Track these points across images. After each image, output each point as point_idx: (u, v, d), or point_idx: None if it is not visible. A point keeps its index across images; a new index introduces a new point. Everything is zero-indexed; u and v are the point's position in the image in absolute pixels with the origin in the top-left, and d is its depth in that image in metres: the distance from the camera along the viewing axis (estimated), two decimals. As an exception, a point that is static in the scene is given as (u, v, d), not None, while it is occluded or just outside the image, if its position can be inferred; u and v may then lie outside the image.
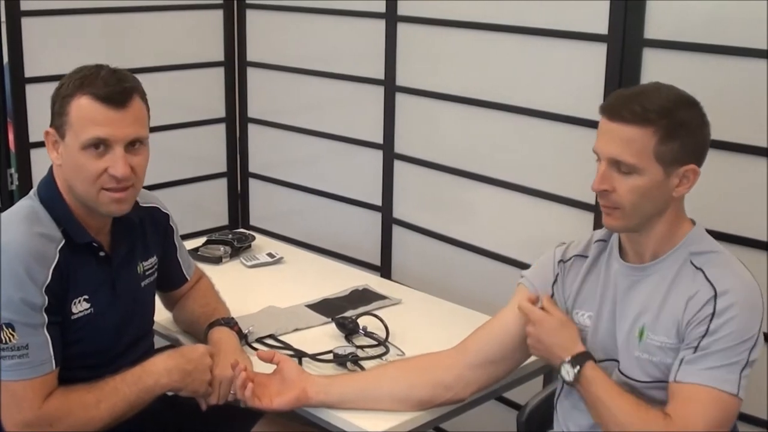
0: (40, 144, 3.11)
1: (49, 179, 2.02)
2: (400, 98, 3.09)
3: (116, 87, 1.94)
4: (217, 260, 2.92)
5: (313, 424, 2.16)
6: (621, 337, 1.91)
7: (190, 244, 2.98)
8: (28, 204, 1.99)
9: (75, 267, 1.96)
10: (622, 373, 1.90)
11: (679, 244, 1.88)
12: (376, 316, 2.42)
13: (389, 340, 2.34)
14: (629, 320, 1.90)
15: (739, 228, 2.29)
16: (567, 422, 2.03)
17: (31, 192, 2.03)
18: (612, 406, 1.83)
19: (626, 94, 1.84)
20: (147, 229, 2.19)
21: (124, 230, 2.10)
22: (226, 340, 2.23)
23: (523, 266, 2.66)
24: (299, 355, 2.26)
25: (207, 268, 2.77)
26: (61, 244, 1.95)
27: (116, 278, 2.06)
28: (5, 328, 1.85)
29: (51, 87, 2.95)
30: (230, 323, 2.30)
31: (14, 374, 1.87)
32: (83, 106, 1.92)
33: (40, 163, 3.18)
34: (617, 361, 1.92)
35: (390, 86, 3.11)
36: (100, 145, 1.93)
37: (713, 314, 1.78)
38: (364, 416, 2.03)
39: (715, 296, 1.79)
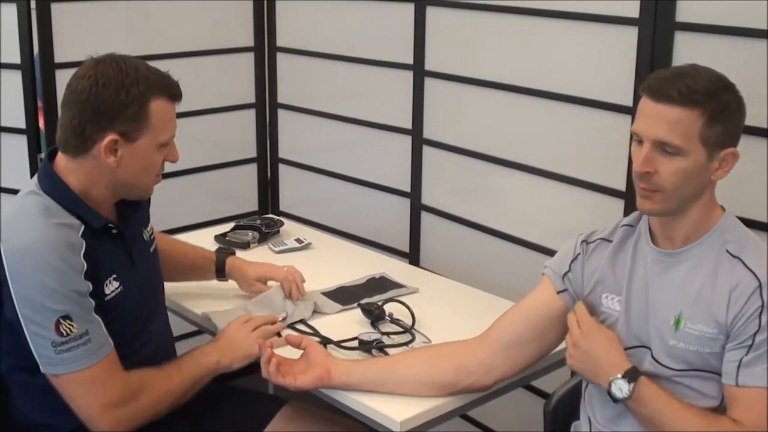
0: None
1: (53, 176, 1.98)
2: (430, 83, 3.06)
3: (175, 82, 2.01)
4: (245, 246, 2.93)
5: (337, 411, 2.15)
6: (654, 324, 1.88)
7: (219, 230, 3.04)
8: (36, 199, 1.96)
9: (98, 250, 1.97)
10: (655, 360, 1.88)
11: (711, 231, 1.85)
12: (402, 302, 2.40)
13: (415, 327, 2.33)
14: (663, 307, 1.87)
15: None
16: (594, 414, 2.01)
17: (31, 189, 1.99)
18: (678, 420, 1.79)
19: (669, 74, 1.81)
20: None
21: (126, 204, 2.11)
22: (243, 263, 2.53)
23: (552, 253, 2.66)
24: (325, 341, 2.25)
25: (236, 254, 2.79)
26: (82, 230, 1.95)
27: (132, 251, 2.09)
28: (63, 321, 1.85)
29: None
30: (227, 251, 2.59)
31: (86, 361, 1.89)
32: (163, 108, 1.96)
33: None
34: (649, 348, 1.89)
35: (419, 71, 3.08)
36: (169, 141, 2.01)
37: (763, 306, 1.75)
38: (388, 402, 2.03)
39: (760, 287, 1.76)
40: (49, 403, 1.95)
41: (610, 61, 2.52)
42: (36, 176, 2.02)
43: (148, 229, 2.22)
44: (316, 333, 2.32)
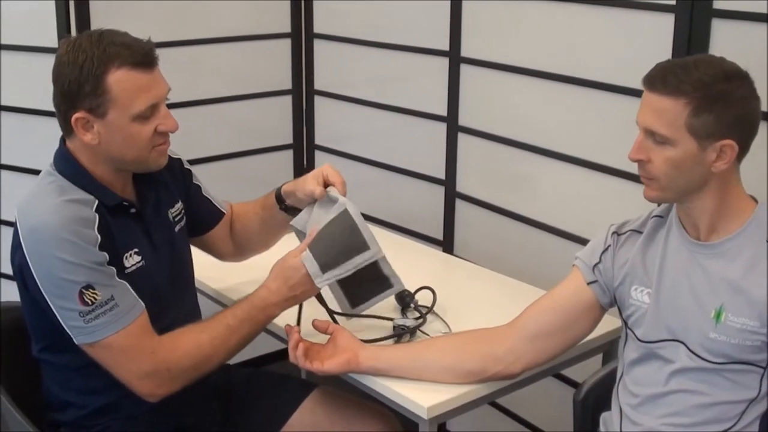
0: None
1: (67, 156, 1.99)
2: (465, 70, 3.04)
3: (142, 48, 1.92)
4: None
5: (368, 396, 2.15)
6: (691, 316, 1.86)
7: None
8: (50, 179, 1.97)
9: (114, 225, 1.97)
10: (693, 353, 1.86)
11: (747, 223, 1.83)
12: (430, 289, 2.38)
13: (441, 315, 2.32)
14: (700, 300, 1.85)
15: None
16: (624, 403, 1.99)
17: (47, 171, 2.00)
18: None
19: (668, 65, 1.81)
20: (165, 176, 2.17)
21: (146, 182, 2.10)
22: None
23: (586, 243, 2.63)
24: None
25: None
26: (96, 204, 1.94)
27: (151, 230, 2.07)
28: (85, 291, 1.86)
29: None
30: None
31: (113, 327, 1.89)
32: (123, 79, 1.89)
33: None
34: (681, 342, 1.88)
35: (455, 58, 3.05)
36: (150, 111, 1.93)
37: None
38: (416, 389, 2.03)
39: None
40: (75, 382, 1.98)
41: (646, 48, 2.47)
42: (53, 158, 2.03)
43: (175, 209, 2.19)
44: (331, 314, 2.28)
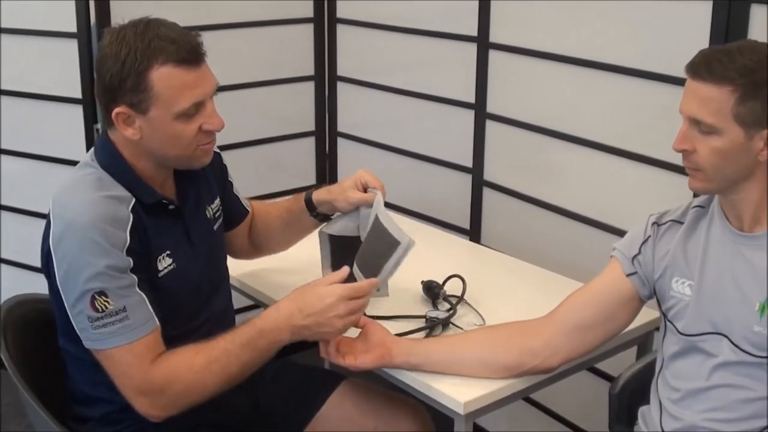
0: None
1: (109, 148, 1.93)
2: (494, 56, 2.99)
3: (189, 44, 1.86)
4: None
5: (396, 389, 2.12)
6: (734, 309, 1.82)
7: None
8: (90, 171, 1.92)
9: (150, 225, 1.92)
10: (737, 347, 1.82)
11: None
12: (460, 277, 2.34)
13: (468, 303, 2.28)
14: (744, 292, 1.81)
15: None
16: (665, 397, 1.95)
17: (86, 161, 1.95)
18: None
19: (711, 52, 1.76)
20: (207, 171, 2.12)
21: (187, 177, 2.05)
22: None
23: (618, 231, 2.63)
24: None
25: None
26: (132, 203, 1.90)
27: (190, 228, 2.03)
28: (98, 297, 1.81)
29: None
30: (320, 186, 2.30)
31: (120, 339, 1.83)
32: (167, 76, 1.82)
33: None
34: (724, 335, 1.83)
35: (483, 43, 3.01)
36: (194, 109, 1.88)
37: None
38: (452, 384, 1.99)
39: None
40: (103, 377, 1.92)
41: (683, 34, 2.42)
42: (93, 148, 1.98)
43: (214, 205, 2.15)
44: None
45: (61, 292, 1.85)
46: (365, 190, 2.21)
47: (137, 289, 1.85)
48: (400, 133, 3.46)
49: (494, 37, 2.98)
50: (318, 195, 2.26)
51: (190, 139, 1.89)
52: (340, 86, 3.65)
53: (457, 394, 1.95)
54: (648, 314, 2.17)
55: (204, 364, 1.88)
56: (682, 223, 1.94)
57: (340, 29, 3.59)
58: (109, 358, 1.85)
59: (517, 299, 2.36)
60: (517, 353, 2.00)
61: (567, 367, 2.08)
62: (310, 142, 3.74)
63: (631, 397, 2.12)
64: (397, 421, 2.22)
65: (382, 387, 2.25)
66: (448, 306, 2.28)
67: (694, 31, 2.37)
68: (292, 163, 3.72)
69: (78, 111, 3.19)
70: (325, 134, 3.75)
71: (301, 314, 1.91)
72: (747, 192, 1.79)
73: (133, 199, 1.90)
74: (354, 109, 3.65)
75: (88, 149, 3.17)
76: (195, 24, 3.16)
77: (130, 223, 1.87)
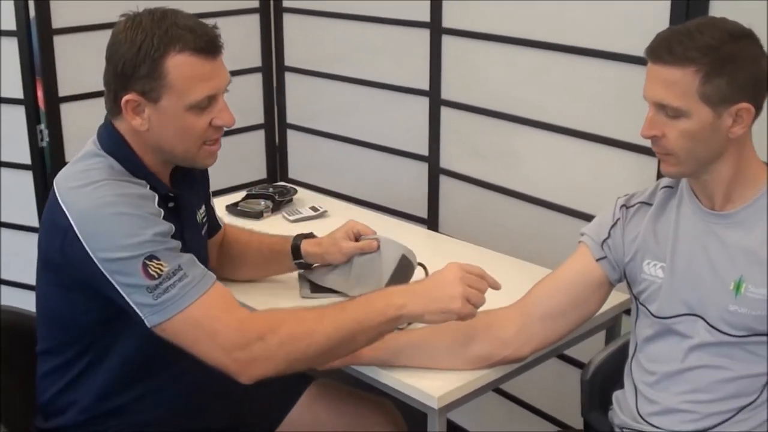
0: (71, 98, 3.10)
1: (116, 137, 1.86)
2: (447, 41, 2.95)
3: (207, 34, 1.81)
4: (258, 215, 2.84)
5: (367, 387, 2.07)
6: (708, 289, 1.81)
7: (229, 199, 2.93)
8: (98, 160, 1.84)
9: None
10: (713, 327, 1.80)
11: (763, 190, 1.78)
12: (422, 266, 2.28)
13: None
14: (718, 271, 1.79)
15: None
16: (639, 380, 1.93)
17: (90, 151, 1.87)
18: None
19: (670, 33, 1.74)
20: (197, 175, 2.07)
21: (183, 178, 1.99)
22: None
23: (580, 215, 2.62)
24: None
25: (248, 224, 2.71)
26: (149, 186, 1.84)
27: (185, 230, 1.94)
28: (149, 263, 1.72)
29: (80, 38, 2.84)
30: (311, 235, 2.29)
31: (186, 299, 1.74)
32: (183, 65, 1.77)
33: (71, 117, 3.12)
34: (699, 316, 1.82)
35: (436, 29, 2.96)
36: (207, 102, 1.82)
37: None
38: (424, 378, 1.95)
39: None
40: (85, 381, 1.88)
41: (641, 12, 2.40)
42: (95, 137, 1.90)
43: (202, 211, 2.10)
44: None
45: (109, 278, 1.74)
46: (356, 240, 2.22)
47: (182, 251, 1.79)
48: (353, 123, 3.41)
49: (447, 22, 2.93)
50: (307, 246, 2.25)
51: (199, 133, 1.83)
52: (289, 77, 3.60)
53: (430, 388, 1.91)
54: (616, 297, 2.15)
55: (315, 316, 1.79)
56: (650, 204, 1.92)
57: (287, 18, 3.53)
58: (183, 323, 1.74)
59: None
60: (488, 343, 1.96)
61: (537, 356, 2.06)
62: (259, 135, 3.67)
63: (603, 382, 2.10)
64: (367, 421, 2.19)
65: (351, 387, 2.21)
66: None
67: (654, 9, 2.35)
68: (241, 157, 3.64)
69: (20, 112, 3.10)
70: (275, 126, 3.70)
71: (418, 283, 1.90)
72: (719, 171, 1.78)
73: (147, 184, 1.84)
74: (304, 100, 3.60)
75: (32, 151, 3.10)
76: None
77: (157, 200, 1.82)
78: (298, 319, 1.79)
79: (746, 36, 1.71)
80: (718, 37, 1.69)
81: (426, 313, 1.81)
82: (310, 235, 2.30)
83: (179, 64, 1.77)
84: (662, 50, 1.71)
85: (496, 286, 1.88)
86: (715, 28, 1.71)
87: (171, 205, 1.91)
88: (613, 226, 1.95)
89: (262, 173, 3.71)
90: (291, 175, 3.70)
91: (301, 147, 3.65)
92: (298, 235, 2.28)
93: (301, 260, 2.26)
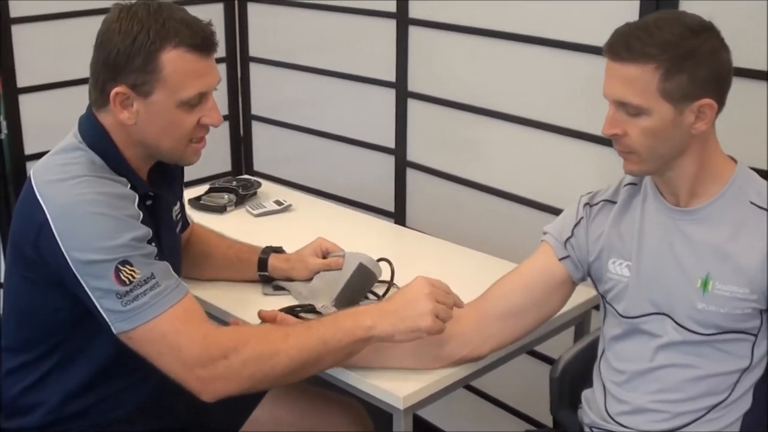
0: (30, 89, 3.03)
1: (99, 130, 1.82)
2: (414, 32, 2.91)
3: (203, 30, 1.78)
4: (221, 209, 2.80)
5: (332, 387, 2.03)
6: (675, 287, 1.78)
7: (192, 193, 2.88)
8: (79, 154, 1.79)
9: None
10: (681, 326, 1.78)
11: (729, 184, 1.76)
12: (387, 260, 2.25)
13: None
14: (684, 269, 1.77)
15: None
16: (608, 380, 1.91)
17: (71, 144, 1.82)
18: None
19: (628, 29, 1.70)
20: (175, 170, 2.03)
21: (162, 174, 1.95)
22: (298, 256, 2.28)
23: (548, 209, 2.60)
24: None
25: (210, 218, 2.69)
26: (129, 185, 1.80)
27: (161, 229, 1.90)
28: (122, 268, 1.68)
29: (39, 27, 2.77)
30: (280, 249, 2.30)
31: (155, 309, 1.69)
32: (178, 60, 1.74)
33: (30, 108, 3.05)
34: (667, 314, 1.80)
35: (402, 19, 2.92)
36: (197, 99, 1.79)
37: None
38: (387, 378, 1.90)
39: None
40: (51, 381, 1.83)
41: (610, 2, 2.36)
42: (76, 129, 1.84)
43: (177, 207, 2.06)
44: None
45: (79, 279, 1.69)
46: (324, 257, 2.24)
47: (158, 258, 1.76)
48: (319, 114, 3.37)
49: (413, 12, 2.90)
50: (275, 261, 2.26)
51: (187, 130, 1.81)
52: (253, 67, 3.56)
53: (394, 388, 1.87)
54: (585, 293, 2.13)
55: (280, 336, 1.75)
56: (614, 202, 1.90)
57: (251, 8, 3.48)
58: (149, 334, 1.70)
59: (449, 282, 2.25)
60: (446, 342, 1.91)
61: (506, 352, 2.03)
62: (224, 126, 3.60)
63: (573, 379, 2.08)
64: (333, 421, 2.16)
65: (317, 387, 2.17)
66: (380, 293, 2.21)
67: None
68: (206, 149, 3.49)
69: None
70: (239, 118, 3.65)
71: (386, 302, 1.88)
72: (682, 168, 1.75)
73: (129, 183, 1.80)
74: (268, 91, 3.55)
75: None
76: (97, 8, 3.05)
77: (137, 200, 1.78)
78: (263, 338, 1.76)
79: (706, 29, 1.67)
80: (678, 32, 1.65)
81: (396, 333, 1.79)
82: (279, 250, 2.30)
83: (174, 59, 1.74)
84: (620, 47, 1.67)
85: (459, 305, 1.87)
86: (674, 23, 1.67)
87: (149, 203, 1.88)
88: (576, 225, 1.92)
89: (226, 166, 3.67)
90: (256, 167, 3.66)
91: (267, 139, 3.61)
92: (266, 248, 2.29)
93: (266, 273, 2.26)
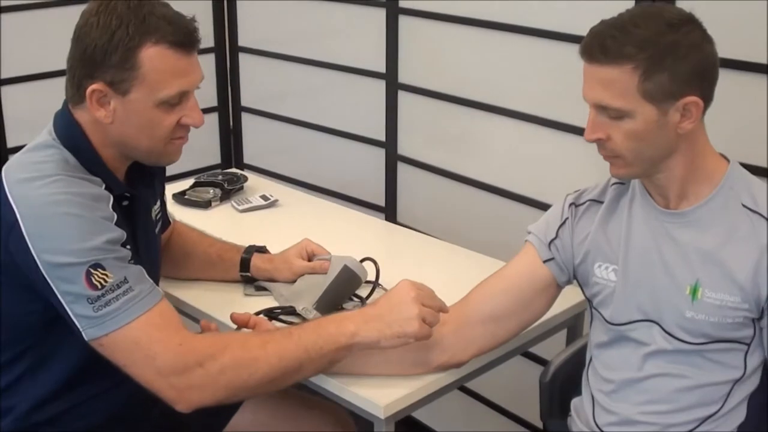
0: (12, 80, 2.98)
1: (75, 128, 1.76)
2: (404, 21, 2.85)
3: (185, 27, 1.72)
4: (206, 204, 2.74)
5: (315, 393, 1.97)
6: (664, 293, 1.70)
7: (177, 187, 2.83)
8: (52, 152, 1.73)
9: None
10: (669, 335, 1.71)
11: (720, 185, 1.68)
12: (372, 260, 2.18)
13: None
14: (673, 275, 1.69)
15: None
16: (597, 390, 1.84)
17: (45, 141, 1.76)
18: None
19: (603, 28, 1.61)
20: (154, 169, 1.96)
21: (140, 174, 1.89)
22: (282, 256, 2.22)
23: (543, 206, 2.52)
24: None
25: (195, 214, 2.63)
26: (104, 185, 1.74)
27: (137, 230, 1.85)
28: (94, 271, 1.62)
29: (24, 17, 2.71)
30: (263, 249, 2.24)
31: (127, 315, 1.64)
32: (158, 57, 1.69)
33: (13, 100, 3.01)
34: (655, 321, 1.73)
35: (392, 8, 2.86)
36: (178, 98, 1.74)
37: None
38: (368, 385, 1.83)
39: None
40: (24, 386, 1.78)
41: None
42: (51, 125, 1.79)
43: (157, 207, 2.00)
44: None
45: (50, 283, 1.64)
46: (309, 259, 2.19)
47: (132, 262, 1.70)
48: (308, 106, 3.33)
49: (404, 1, 2.84)
50: (258, 261, 2.20)
51: (166, 131, 1.75)
52: (243, 58, 3.51)
53: (376, 396, 1.80)
54: (578, 294, 2.02)
55: (259, 343, 1.70)
56: (601, 202, 1.82)
57: (241, -2, 3.45)
58: (122, 341, 1.65)
59: (437, 283, 2.18)
60: (425, 348, 1.83)
61: (499, 354, 1.97)
62: (213, 118, 3.56)
63: (563, 385, 2.03)
64: (316, 426, 2.11)
65: (298, 390, 2.10)
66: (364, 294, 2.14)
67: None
68: (193, 141, 3.37)
69: None
70: (229, 109, 3.60)
71: (370, 307, 1.80)
72: (671, 170, 1.67)
73: (103, 184, 1.74)
74: (258, 82, 3.51)
75: None
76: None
77: (111, 201, 1.72)
78: (241, 345, 1.70)
79: (686, 22, 1.59)
80: (655, 28, 1.57)
81: (382, 338, 1.72)
82: (263, 249, 2.24)
83: (154, 57, 1.68)
84: (595, 48, 1.59)
85: (444, 310, 1.80)
86: (650, 19, 1.58)
87: (125, 203, 1.82)
88: (561, 226, 1.85)
89: (216, 158, 3.62)
90: (246, 160, 3.62)
91: (257, 131, 3.56)
92: (250, 247, 2.23)
93: (248, 273, 2.20)
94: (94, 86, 1.69)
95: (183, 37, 1.71)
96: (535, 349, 2.44)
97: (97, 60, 1.68)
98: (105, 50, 1.67)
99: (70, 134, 1.76)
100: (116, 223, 1.70)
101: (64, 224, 1.64)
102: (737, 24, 2.03)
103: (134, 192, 1.84)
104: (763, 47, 2.01)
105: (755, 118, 2.06)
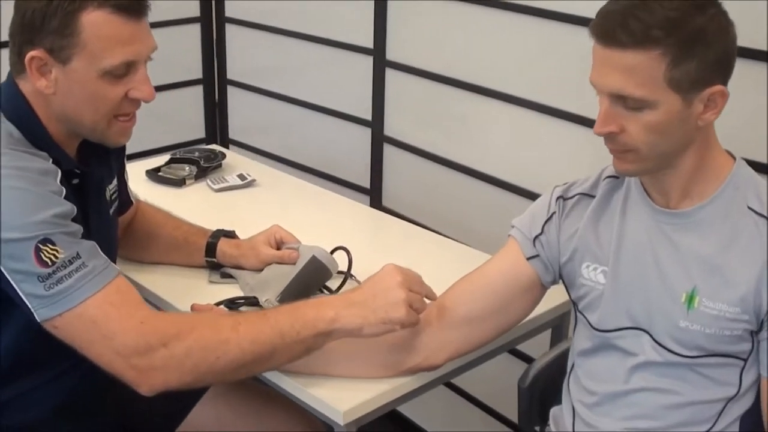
0: None
1: (19, 99, 1.68)
2: (394, -6, 2.76)
3: None
4: (180, 182, 2.63)
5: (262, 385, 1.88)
6: (657, 300, 1.58)
7: (153, 163, 2.74)
8: None
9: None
10: (660, 345, 1.59)
11: (724, 185, 1.55)
12: (344, 249, 2.06)
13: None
14: (668, 280, 1.57)
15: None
16: (578, 400, 1.73)
17: None
18: None
19: (621, 7, 1.45)
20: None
21: (91, 151, 1.80)
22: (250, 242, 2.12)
23: (534, 197, 2.35)
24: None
25: (167, 192, 2.55)
26: (51, 160, 1.65)
27: (89, 210, 1.76)
28: (43, 247, 1.54)
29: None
30: (232, 234, 2.15)
31: (82, 292, 1.55)
32: (101, 23, 1.61)
33: None
34: (645, 330, 1.61)
35: (381, -19, 2.77)
36: (124, 69, 1.65)
37: None
38: (329, 388, 1.72)
39: None
40: None
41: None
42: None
43: (112, 186, 1.90)
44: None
45: None
46: (278, 247, 2.09)
47: (83, 238, 1.62)
48: (293, 80, 3.25)
49: (394, -26, 2.74)
50: (225, 246, 2.11)
51: (112, 104, 1.67)
52: (229, 29, 3.43)
53: (336, 400, 1.69)
54: (564, 293, 1.89)
55: (231, 324, 1.61)
56: (593, 196, 1.69)
57: (227, -34, 3.36)
58: (77, 321, 1.56)
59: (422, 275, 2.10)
60: (394, 350, 1.73)
61: (486, 351, 1.87)
62: (198, 90, 3.50)
63: (544, 390, 1.93)
64: (280, 424, 2.01)
65: (260, 385, 1.99)
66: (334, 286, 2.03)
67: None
68: (178, 114, 3.46)
69: None
70: (214, 82, 3.52)
71: (353, 292, 1.70)
72: (680, 166, 1.54)
73: (50, 158, 1.66)
74: (245, 55, 3.43)
75: None
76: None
77: (59, 176, 1.63)
78: (211, 325, 1.62)
79: (712, 3, 1.45)
80: (681, 8, 1.42)
81: (365, 325, 1.63)
82: (231, 234, 2.15)
83: (96, 22, 1.60)
84: (616, 30, 1.42)
85: (432, 297, 1.71)
86: None
87: (75, 181, 1.72)
88: (547, 221, 1.72)
89: (200, 132, 3.54)
90: (231, 135, 3.55)
91: (243, 105, 3.49)
92: (217, 231, 2.14)
93: (214, 259, 2.11)
94: (33, 53, 1.61)
95: (128, 1, 1.62)
96: (522, 347, 2.34)
97: (36, 25, 1.60)
98: (44, 14, 1.59)
99: (13, 107, 1.67)
100: (65, 197, 1.60)
101: (8, 199, 1.55)
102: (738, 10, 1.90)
103: (85, 169, 1.74)
104: (764, 33, 1.90)
105: (754, 109, 1.94)
